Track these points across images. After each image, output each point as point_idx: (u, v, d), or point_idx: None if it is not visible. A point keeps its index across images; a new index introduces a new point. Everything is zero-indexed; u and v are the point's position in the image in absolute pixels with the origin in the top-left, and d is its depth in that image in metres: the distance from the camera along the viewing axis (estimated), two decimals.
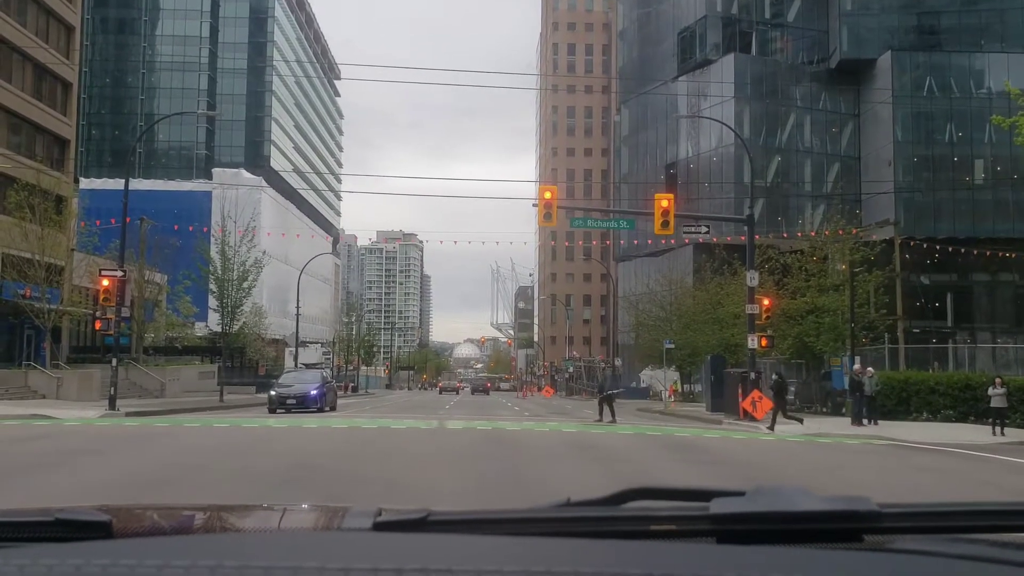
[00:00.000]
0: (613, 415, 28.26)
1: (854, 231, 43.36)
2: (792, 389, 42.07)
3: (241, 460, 13.82)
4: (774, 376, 28.67)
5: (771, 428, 24.74)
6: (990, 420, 24.10)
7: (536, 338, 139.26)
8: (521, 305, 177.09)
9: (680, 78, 75.48)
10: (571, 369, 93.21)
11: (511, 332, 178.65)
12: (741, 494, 1.36)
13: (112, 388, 27.73)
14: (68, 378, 36.54)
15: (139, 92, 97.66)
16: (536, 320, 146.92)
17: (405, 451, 16.13)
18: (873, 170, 68.16)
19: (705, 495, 1.38)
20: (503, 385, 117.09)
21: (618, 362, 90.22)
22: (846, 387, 30.41)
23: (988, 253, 57.74)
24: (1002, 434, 22.87)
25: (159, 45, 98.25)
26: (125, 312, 29.98)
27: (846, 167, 71.30)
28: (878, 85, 67.81)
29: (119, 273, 28.86)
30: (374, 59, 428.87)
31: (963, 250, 57.81)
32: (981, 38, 67.63)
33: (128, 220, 31.80)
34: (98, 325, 30.90)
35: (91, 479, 11.28)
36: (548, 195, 29.50)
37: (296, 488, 10.48)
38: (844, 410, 31.81)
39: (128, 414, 26.59)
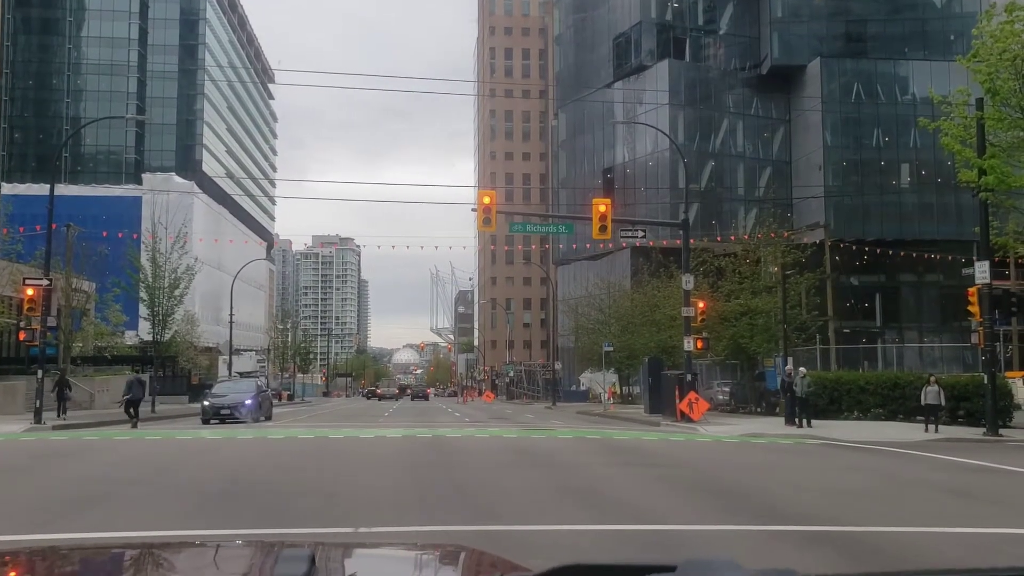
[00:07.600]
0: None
1: (786, 234, 44.31)
2: (727, 389, 42.87)
3: (176, 474, 13.48)
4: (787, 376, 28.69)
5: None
6: (923, 417, 24.77)
7: (476, 343, 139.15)
8: (461, 310, 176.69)
9: (616, 83, 76.22)
10: (511, 373, 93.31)
11: (451, 337, 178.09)
12: (672, 569, 1.38)
13: (38, 400, 26.81)
14: None
15: (64, 95, 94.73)
16: (476, 325, 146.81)
17: (344, 462, 15.89)
18: (804, 174, 69.76)
19: (637, 570, 1.41)
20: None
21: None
22: (779, 387, 30.95)
23: (914, 254, 59.55)
24: (936, 431, 23.52)
25: (85, 47, 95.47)
26: (51, 322, 29.04)
27: (778, 171, 72.78)
28: (808, 91, 69.42)
29: (44, 282, 27.97)
30: (303, 53, 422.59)
31: (891, 251, 59.49)
32: (905, 46, 69.76)
33: (54, 226, 30.83)
34: (22, 336, 29.88)
35: (18, 497, 10.86)
36: (487, 200, 29.39)
37: (235, 503, 10.23)
38: (778, 410, 32.39)
39: (55, 427, 25.77)
